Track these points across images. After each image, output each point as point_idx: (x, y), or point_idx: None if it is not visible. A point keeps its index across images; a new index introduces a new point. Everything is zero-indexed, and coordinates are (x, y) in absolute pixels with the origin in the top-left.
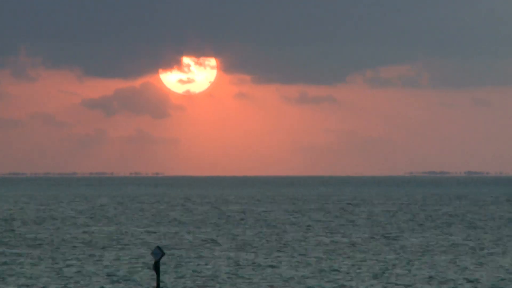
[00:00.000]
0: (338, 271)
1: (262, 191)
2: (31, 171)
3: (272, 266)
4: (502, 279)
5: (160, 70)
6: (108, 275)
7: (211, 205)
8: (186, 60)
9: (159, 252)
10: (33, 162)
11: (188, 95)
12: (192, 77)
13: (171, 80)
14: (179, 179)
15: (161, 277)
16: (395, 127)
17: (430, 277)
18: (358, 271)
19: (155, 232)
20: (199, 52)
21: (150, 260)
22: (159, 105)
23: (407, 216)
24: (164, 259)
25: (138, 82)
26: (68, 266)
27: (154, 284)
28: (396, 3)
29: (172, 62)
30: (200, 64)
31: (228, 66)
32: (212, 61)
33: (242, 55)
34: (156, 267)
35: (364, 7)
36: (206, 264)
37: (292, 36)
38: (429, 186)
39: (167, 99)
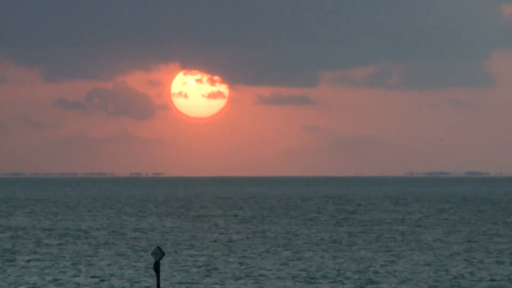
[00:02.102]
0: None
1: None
2: (31, 172)
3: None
4: None
5: (136, 72)
6: (108, 275)
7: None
8: (160, 64)
9: (159, 253)
10: (32, 163)
11: (163, 97)
12: (163, 79)
13: (144, 82)
14: (185, 180)
15: (161, 277)
16: (386, 127)
17: None
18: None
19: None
20: (168, 55)
21: (151, 260)
22: (141, 107)
23: None
24: (164, 259)
25: (110, 84)
26: (67, 265)
27: (154, 284)
28: (371, 4)
29: (150, 64)
30: (170, 67)
31: (196, 67)
32: (176, 65)
33: (216, 57)
34: (156, 267)
35: (337, 7)
36: (207, 264)
37: (265, 37)
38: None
39: (148, 102)
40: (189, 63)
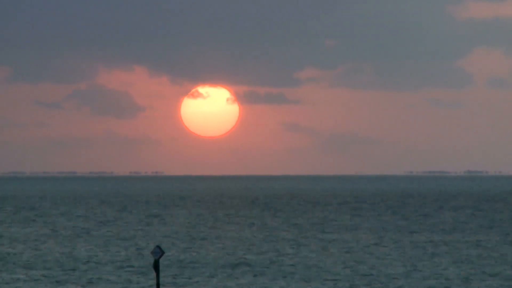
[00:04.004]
0: None
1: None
2: (30, 170)
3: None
4: None
5: (112, 73)
6: (108, 274)
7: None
8: (135, 65)
9: (159, 251)
10: (31, 161)
11: (143, 98)
12: (140, 80)
13: (120, 83)
14: (185, 179)
15: (161, 276)
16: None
17: None
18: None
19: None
20: (141, 57)
21: (150, 259)
22: (125, 107)
23: None
24: (163, 258)
25: (88, 84)
26: (66, 264)
27: (154, 283)
28: (353, 3)
29: (126, 66)
30: (146, 69)
31: (167, 69)
32: (150, 66)
33: (190, 59)
34: (156, 266)
35: (317, 6)
36: (207, 264)
37: (240, 37)
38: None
39: (132, 102)
40: (161, 65)
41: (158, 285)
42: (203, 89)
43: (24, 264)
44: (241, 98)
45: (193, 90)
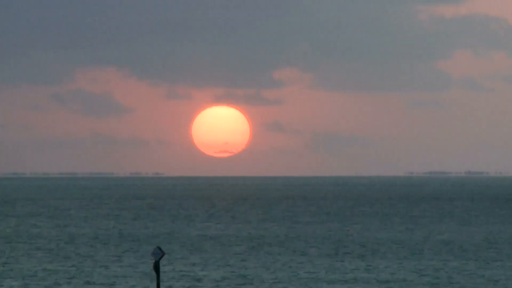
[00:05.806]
0: None
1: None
2: (31, 171)
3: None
4: None
5: (94, 74)
6: (108, 275)
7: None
8: (114, 66)
9: (159, 252)
10: (32, 162)
11: (129, 98)
12: (122, 83)
13: (103, 84)
14: (186, 179)
15: (161, 277)
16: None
17: None
18: None
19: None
20: (121, 58)
21: (150, 260)
22: (119, 108)
23: None
24: (164, 259)
25: (69, 86)
26: (67, 265)
27: (154, 284)
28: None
29: (107, 67)
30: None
31: (149, 72)
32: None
33: (169, 60)
34: (156, 267)
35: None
36: (207, 264)
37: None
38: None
39: (123, 103)
40: (141, 66)
41: (158, 286)
42: (217, 109)
43: (24, 256)
44: (220, 100)
45: (207, 107)
